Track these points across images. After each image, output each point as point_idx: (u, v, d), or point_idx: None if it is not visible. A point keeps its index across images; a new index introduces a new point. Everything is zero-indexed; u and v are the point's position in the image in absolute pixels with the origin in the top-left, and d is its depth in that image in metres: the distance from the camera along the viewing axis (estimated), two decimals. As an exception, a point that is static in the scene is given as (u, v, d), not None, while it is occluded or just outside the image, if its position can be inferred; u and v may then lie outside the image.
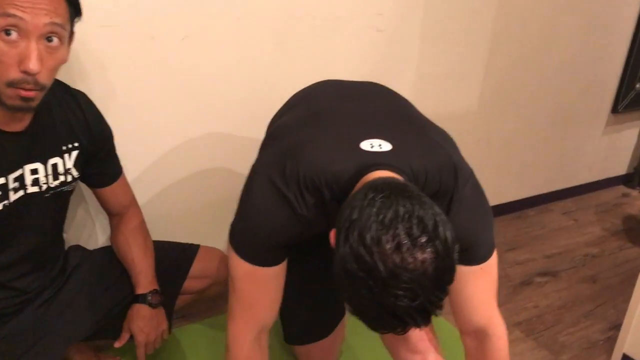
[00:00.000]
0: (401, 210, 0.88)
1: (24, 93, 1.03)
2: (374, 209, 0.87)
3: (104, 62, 1.48)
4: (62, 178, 1.22)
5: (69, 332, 1.32)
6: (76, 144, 1.23)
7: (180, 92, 1.63)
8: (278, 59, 1.74)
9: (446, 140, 1.17)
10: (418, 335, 1.31)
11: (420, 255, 0.86)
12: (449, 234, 0.89)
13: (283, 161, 1.06)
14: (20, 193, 1.16)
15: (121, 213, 1.41)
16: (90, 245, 1.57)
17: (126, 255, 1.39)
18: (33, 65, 1.00)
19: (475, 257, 1.15)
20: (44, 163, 1.18)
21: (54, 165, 1.20)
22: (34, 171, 1.17)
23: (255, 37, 1.67)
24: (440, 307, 0.91)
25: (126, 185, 1.41)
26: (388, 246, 0.85)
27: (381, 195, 0.90)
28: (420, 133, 1.14)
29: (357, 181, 1.02)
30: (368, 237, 0.85)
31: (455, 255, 0.91)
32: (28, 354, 1.24)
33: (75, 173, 1.25)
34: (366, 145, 1.05)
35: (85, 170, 1.29)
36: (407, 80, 2.00)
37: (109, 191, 1.36)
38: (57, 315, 1.31)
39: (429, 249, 0.86)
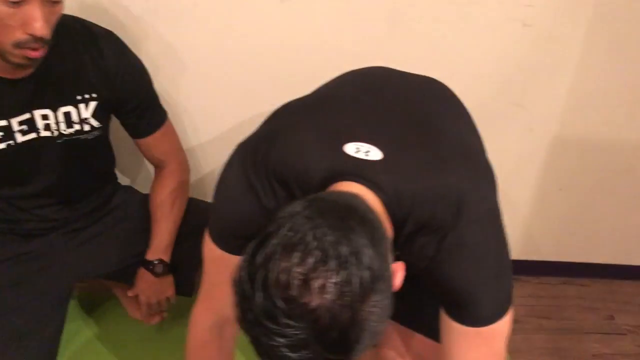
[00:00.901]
0: (310, 237, 0.69)
1: (31, 54, 1.04)
2: (286, 227, 0.71)
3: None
4: (77, 127, 1.21)
5: (85, 265, 1.36)
6: (94, 95, 1.20)
7: (271, 61, 1.52)
8: (389, 43, 1.52)
9: (473, 168, 0.91)
10: None
11: (312, 299, 0.67)
12: (366, 282, 0.69)
13: (259, 146, 0.93)
14: (32, 135, 1.19)
15: (160, 166, 1.37)
16: (145, 189, 1.52)
17: (154, 214, 1.37)
18: (40, 28, 1.00)
19: (469, 315, 0.91)
20: (54, 110, 1.18)
21: (67, 114, 1.19)
22: (45, 117, 1.18)
23: (366, 12, 1.49)
24: None
25: (168, 138, 1.35)
26: (274, 276, 0.68)
27: (307, 213, 0.73)
28: (433, 148, 0.90)
29: (325, 187, 0.86)
30: (259, 257, 0.69)
31: (375, 310, 0.71)
32: (40, 274, 1.30)
33: (95, 123, 1.23)
34: (351, 148, 0.87)
35: (118, 118, 1.27)
36: (556, 94, 1.64)
37: (144, 142, 1.32)
38: (78, 245, 1.36)
39: (327, 295, 0.67)
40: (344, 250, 0.70)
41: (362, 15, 1.49)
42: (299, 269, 0.68)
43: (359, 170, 0.87)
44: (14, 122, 1.16)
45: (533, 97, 1.64)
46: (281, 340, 0.67)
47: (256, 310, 0.68)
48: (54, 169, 1.25)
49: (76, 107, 1.20)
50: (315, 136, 0.92)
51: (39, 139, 1.19)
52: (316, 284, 0.68)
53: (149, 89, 1.29)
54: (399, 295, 0.91)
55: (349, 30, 1.51)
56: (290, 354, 0.69)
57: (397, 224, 0.89)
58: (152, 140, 1.32)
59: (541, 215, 1.86)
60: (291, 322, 0.68)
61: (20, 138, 1.18)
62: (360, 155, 0.88)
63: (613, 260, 1.97)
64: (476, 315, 0.92)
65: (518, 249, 1.91)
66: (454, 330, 0.93)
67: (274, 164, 0.91)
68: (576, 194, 1.83)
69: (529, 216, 1.85)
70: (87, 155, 1.28)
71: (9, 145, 1.17)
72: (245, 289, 0.70)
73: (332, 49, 1.52)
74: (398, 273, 0.80)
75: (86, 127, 1.22)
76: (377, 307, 0.74)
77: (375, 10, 1.49)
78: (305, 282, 0.68)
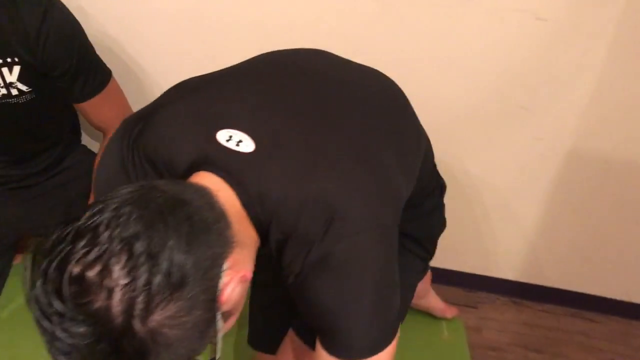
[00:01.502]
0: (103, 226, 0.62)
1: None
2: (94, 210, 0.63)
3: None
4: (3, 91, 1.15)
5: (30, 220, 1.35)
6: (15, 59, 1.13)
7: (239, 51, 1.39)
8: (378, 26, 1.37)
9: (363, 179, 0.79)
10: None
11: (89, 299, 0.59)
12: (157, 288, 0.60)
13: (137, 123, 0.84)
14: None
15: (104, 133, 1.30)
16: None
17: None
18: None
19: (335, 344, 0.79)
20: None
21: None
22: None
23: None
24: None
25: (109, 102, 1.27)
26: (53, 265, 0.60)
27: (123, 199, 0.64)
28: (318, 150, 0.78)
29: (189, 176, 0.77)
30: (53, 239, 0.63)
31: (173, 322, 0.62)
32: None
33: (23, 87, 1.17)
34: (223, 135, 0.77)
35: (50, 81, 1.20)
36: (572, 101, 1.42)
37: (81, 107, 1.25)
38: (24, 201, 1.34)
39: (102, 296, 0.59)
40: (139, 247, 0.61)
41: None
42: (78, 262, 0.59)
43: (223, 161, 0.76)
44: None
45: (544, 101, 1.43)
46: (50, 336, 0.60)
47: (32, 295, 0.61)
48: None
49: None
50: (191, 118, 0.82)
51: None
52: (93, 281, 0.59)
53: (82, 52, 1.20)
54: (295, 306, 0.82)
55: (333, 7, 1.37)
56: (61, 357, 0.61)
57: (261, 229, 0.77)
58: (89, 107, 1.25)
59: (549, 237, 1.65)
60: (64, 323, 0.59)
61: None
62: (230, 145, 0.77)
63: (631, 297, 1.72)
64: (343, 347, 0.79)
65: (520, 269, 1.72)
66: (324, 356, 0.81)
67: (144, 145, 0.82)
68: (591, 217, 1.60)
69: (535, 235, 1.65)
70: (23, 118, 1.23)
71: None
72: (31, 269, 0.62)
73: (315, 29, 1.40)
74: (229, 286, 0.69)
75: (14, 92, 1.17)
76: (177, 320, 0.63)
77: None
78: (80, 278, 0.59)
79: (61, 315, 0.59)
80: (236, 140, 0.77)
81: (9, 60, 1.14)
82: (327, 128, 0.82)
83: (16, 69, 1.15)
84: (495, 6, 1.32)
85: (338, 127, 0.83)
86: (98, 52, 1.30)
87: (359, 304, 0.77)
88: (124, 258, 0.60)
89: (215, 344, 0.74)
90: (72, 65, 1.19)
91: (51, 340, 0.61)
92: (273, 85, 0.87)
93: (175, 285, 0.62)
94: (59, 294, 0.59)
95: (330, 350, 0.80)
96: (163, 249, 0.62)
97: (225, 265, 0.69)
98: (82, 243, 0.60)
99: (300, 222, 0.75)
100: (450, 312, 1.61)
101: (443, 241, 1.63)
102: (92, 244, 0.60)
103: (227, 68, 0.94)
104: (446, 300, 1.65)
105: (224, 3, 1.40)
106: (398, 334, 0.85)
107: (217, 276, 0.68)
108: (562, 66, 1.38)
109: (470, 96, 1.45)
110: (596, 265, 1.68)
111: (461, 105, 1.46)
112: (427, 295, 1.55)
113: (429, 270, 1.52)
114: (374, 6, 1.36)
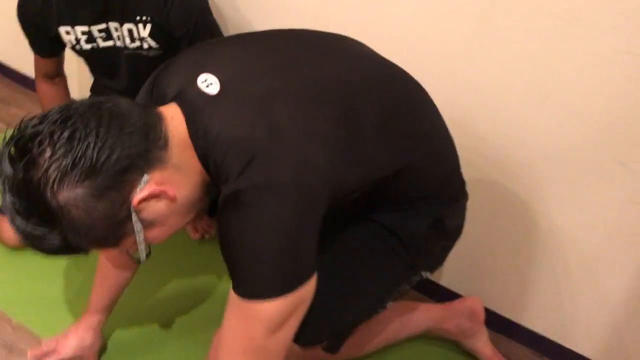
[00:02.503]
0: (56, 116, 0.80)
1: None
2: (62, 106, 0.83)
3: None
4: (137, 43, 1.44)
5: None
6: (149, 17, 1.39)
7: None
8: (475, 43, 1.36)
9: (290, 150, 0.85)
10: None
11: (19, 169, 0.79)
12: (65, 167, 0.77)
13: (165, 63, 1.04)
14: (109, 43, 1.47)
15: None
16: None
17: None
18: None
19: (233, 277, 0.88)
20: (121, 25, 1.41)
21: (130, 30, 1.42)
22: (116, 29, 1.42)
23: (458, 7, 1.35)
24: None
25: None
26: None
27: (88, 101, 0.84)
28: (270, 111, 0.87)
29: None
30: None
31: (77, 202, 0.79)
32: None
33: (152, 43, 1.43)
34: (202, 77, 0.92)
35: (175, 44, 1.44)
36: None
37: None
38: None
39: (28, 166, 0.78)
40: (64, 135, 0.77)
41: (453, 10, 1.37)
42: (29, 139, 0.78)
43: (190, 97, 0.90)
44: (94, 30, 1.43)
45: (624, 144, 1.27)
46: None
47: None
48: (125, 75, 1.51)
49: (136, 25, 1.41)
50: (190, 63, 0.98)
51: (114, 47, 1.46)
52: (28, 153, 0.78)
53: (200, 18, 1.42)
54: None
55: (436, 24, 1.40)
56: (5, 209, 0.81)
57: (205, 163, 0.88)
58: None
59: (636, 322, 1.42)
60: (4, 183, 0.80)
61: (102, 43, 1.46)
62: (202, 86, 0.90)
63: None
64: (239, 282, 0.87)
65: (600, 348, 1.50)
66: (230, 291, 0.88)
67: (158, 81, 1.00)
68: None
69: (618, 314, 1.44)
70: (150, 70, 1.48)
71: (92, 47, 1.47)
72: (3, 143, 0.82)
73: (418, 42, 1.44)
74: (143, 193, 0.82)
75: (145, 45, 1.44)
76: (84, 204, 0.79)
77: (467, 6, 1.35)
78: (24, 153, 0.78)
79: (8, 177, 0.79)
80: (208, 83, 0.90)
81: (144, 18, 1.41)
82: (288, 98, 0.90)
83: (148, 27, 1.42)
84: (589, 41, 1.23)
85: (300, 92, 0.91)
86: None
87: (256, 250, 0.83)
88: (52, 141, 0.77)
89: (138, 246, 0.88)
90: (190, 28, 1.41)
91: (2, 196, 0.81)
92: (266, 46, 0.99)
93: (85, 172, 0.78)
94: (10, 161, 0.79)
95: (234, 288, 0.87)
96: (81, 142, 0.77)
97: (147, 177, 0.82)
98: (37, 127, 0.79)
99: (225, 159, 0.84)
100: (498, 362, 1.49)
101: (513, 289, 1.54)
102: (42, 129, 0.79)
103: (258, 32, 1.09)
104: (506, 355, 1.53)
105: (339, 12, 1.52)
106: (307, 297, 0.88)
107: (132, 180, 0.81)
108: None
109: (563, 138, 1.35)
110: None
111: (551, 145, 1.36)
112: (476, 336, 1.46)
113: (480, 309, 1.44)
114: (474, 25, 1.36)
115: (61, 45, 1.53)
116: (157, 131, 0.84)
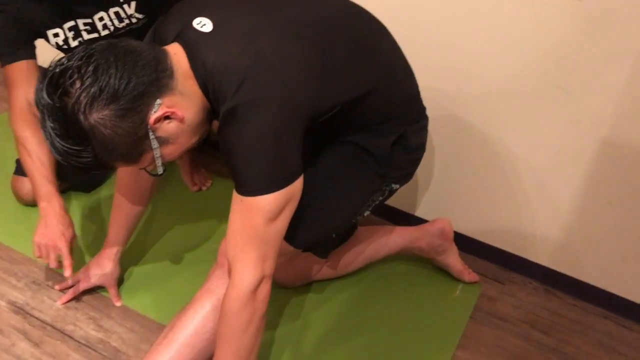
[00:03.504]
0: (83, 52, 0.98)
1: None
2: (90, 45, 1.02)
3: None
4: (126, 21, 1.58)
5: None
6: None
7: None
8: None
9: (277, 72, 1.04)
10: None
11: (56, 95, 0.98)
12: (93, 94, 0.96)
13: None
14: (94, 35, 1.57)
15: None
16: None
17: None
18: None
19: (235, 180, 1.07)
20: (106, 12, 1.54)
21: (117, 13, 1.55)
22: (101, 19, 1.55)
23: None
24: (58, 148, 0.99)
25: None
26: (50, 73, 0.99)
27: (105, 42, 1.02)
28: (257, 44, 1.05)
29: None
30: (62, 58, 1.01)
31: (104, 122, 0.98)
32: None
33: (140, 16, 1.58)
34: (197, 20, 1.11)
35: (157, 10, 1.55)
36: (611, 85, 1.44)
37: None
38: None
39: (62, 95, 0.97)
40: (90, 69, 0.97)
41: None
42: (62, 75, 0.97)
43: (188, 36, 1.09)
44: (80, 23, 1.54)
45: (580, 84, 1.48)
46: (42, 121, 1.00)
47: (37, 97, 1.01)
48: None
49: (121, 7, 1.55)
50: (187, 9, 1.15)
51: (100, 38, 1.57)
52: (62, 85, 0.97)
53: None
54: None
55: None
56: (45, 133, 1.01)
57: (205, 91, 1.07)
58: None
59: (586, 229, 1.64)
60: (44, 112, 0.99)
61: (86, 36, 1.57)
62: (197, 27, 1.09)
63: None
64: (240, 183, 1.06)
65: (556, 256, 1.73)
66: (234, 194, 1.08)
67: (160, 25, 1.19)
68: (631, 212, 1.57)
69: (572, 224, 1.66)
70: (142, 38, 1.64)
71: (79, 42, 1.57)
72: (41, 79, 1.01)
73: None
74: (158, 113, 1.01)
75: (134, 20, 1.59)
76: (110, 124, 0.99)
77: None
78: (57, 81, 0.97)
79: (46, 106, 0.98)
80: (202, 24, 1.09)
81: None
82: (275, 33, 1.08)
83: (133, 4, 1.57)
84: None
85: (281, 27, 1.10)
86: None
87: (253, 154, 1.03)
88: (80, 74, 0.97)
89: (156, 163, 1.07)
90: None
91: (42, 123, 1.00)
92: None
93: (109, 98, 0.97)
94: (48, 94, 0.98)
95: (236, 189, 1.07)
96: (105, 73, 0.97)
97: (159, 100, 1.01)
98: (66, 64, 0.98)
99: (222, 84, 1.03)
100: (468, 276, 1.70)
101: (478, 212, 1.75)
102: (71, 65, 0.98)
103: None
104: (475, 270, 1.74)
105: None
106: (296, 193, 1.08)
107: (148, 103, 1.00)
108: (599, 50, 1.42)
109: (509, 70, 1.55)
110: (638, 268, 1.62)
111: (501, 78, 1.57)
112: (447, 253, 1.66)
113: (450, 228, 1.64)
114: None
115: (34, 51, 1.55)
116: (164, 63, 1.03)
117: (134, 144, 1.03)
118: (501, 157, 1.67)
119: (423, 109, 1.36)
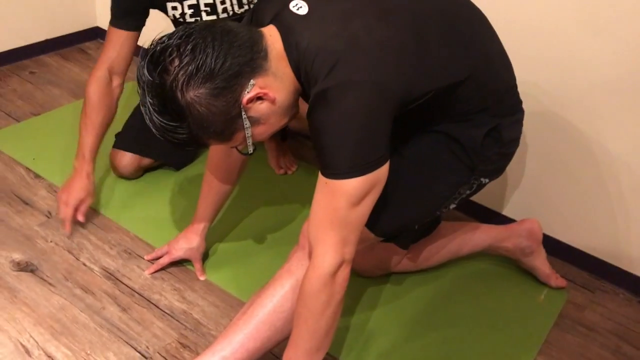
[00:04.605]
0: (182, 32, 1.03)
1: None
2: (185, 27, 1.05)
3: None
4: (246, 7, 1.62)
5: None
6: None
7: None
8: None
9: (373, 57, 1.03)
10: None
11: (156, 73, 1.01)
12: (190, 73, 0.99)
13: None
14: (212, 17, 1.63)
15: None
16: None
17: None
18: None
19: (322, 162, 1.07)
20: None
21: None
22: (222, 2, 1.59)
23: None
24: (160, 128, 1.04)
25: None
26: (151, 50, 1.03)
27: (206, 22, 1.06)
28: (353, 29, 1.05)
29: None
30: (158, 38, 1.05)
31: (200, 100, 1.01)
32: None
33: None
34: (294, 3, 1.12)
35: None
36: None
37: None
38: None
39: (161, 72, 1.01)
40: (188, 48, 1.00)
41: None
42: (162, 52, 1.01)
43: (283, 18, 1.11)
44: (201, 3, 1.60)
45: None
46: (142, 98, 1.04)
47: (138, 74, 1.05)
48: None
49: None
50: None
51: (218, 20, 1.61)
52: (164, 65, 1.00)
53: None
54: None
55: None
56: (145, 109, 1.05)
57: (297, 72, 1.08)
58: None
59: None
60: (144, 88, 1.03)
61: (205, 17, 1.63)
62: (294, 9, 1.10)
63: None
64: (326, 165, 1.06)
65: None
66: (319, 176, 1.09)
67: (256, 8, 1.21)
68: None
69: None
70: None
71: (196, 20, 1.63)
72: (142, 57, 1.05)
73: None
74: (251, 93, 1.03)
75: (251, 6, 1.61)
76: (206, 102, 1.02)
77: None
78: (158, 62, 1.01)
79: (145, 82, 1.02)
80: (299, 6, 1.10)
81: None
82: (365, 9, 1.08)
83: None
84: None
85: (375, 9, 1.08)
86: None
87: (345, 137, 1.02)
88: (179, 53, 1.00)
89: (247, 142, 1.09)
90: None
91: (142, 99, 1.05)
92: None
93: (205, 76, 1.00)
94: (148, 70, 1.02)
95: (322, 170, 1.07)
96: (202, 52, 1.00)
97: (253, 81, 1.03)
98: (166, 42, 1.02)
99: (314, 66, 1.04)
100: (555, 281, 1.63)
101: (570, 215, 1.67)
102: (171, 44, 1.01)
103: None
104: (563, 275, 1.67)
105: None
106: (381, 179, 1.07)
107: (242, 83, 1.03)
108: None
109: (615, 68, 1.46)
110: None
111: (604, 75, 1.48)
112: (534, 255, 1.60)
113: (538, 229, 1.58)
114: None
115: (144, 21, 1.61)
116: (259, 45, 1.05)
117: (227, 123, 1.05)
118: (599, 158, 1.59)
119: (519, 101, 1.31)
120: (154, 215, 1.79)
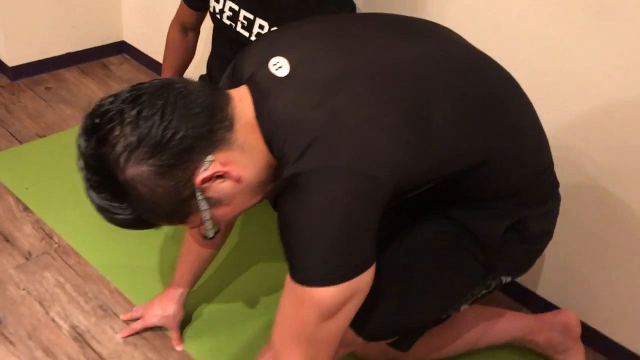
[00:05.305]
0: (126, 95, 0.82)
1: None
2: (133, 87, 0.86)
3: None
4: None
5: None
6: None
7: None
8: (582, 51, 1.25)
9: (349, 139, 0.82)
10: None
11: (87, 145, 0.83)
12: (131, 144, 0.80)
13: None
14: (245, 33, 1.47)
15: None
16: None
17: None
18: None
19: (289, 262, 0.88)
20: (270, 26, 1.42)
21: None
22: (261, 26, 1.43)
23: None
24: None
25: None
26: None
27: (157, 83, 0.86)
28: (334, 100, 0.85)
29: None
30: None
31: (143, 177, 0.82)
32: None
33: None
34: (274, 60, 0.92)
35: None
36: None
37: None
38: None
39: (98, 144, 0.82)
40: (132, 114, 0.81)
41: None
42: (103, 118, 0.82)
43: (260, 80, 0.91)
44: (242, 14, 1.45)
45: None
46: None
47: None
48: None
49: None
50: (266, 44, 0.98)
51: (248, 37, 1.46)
52: (99, 131, 0.82)
53: None
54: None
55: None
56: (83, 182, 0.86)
57: (268, 144, 0.88)
58: None
59: None
60: (81, 159, 0.84)
61: (238, 28, 1.48)
62: (272, 69, 0.90)
63: None
64: (293, 266, 0.86)
65: None
66: (287, 277, 0.88)
67: (238, 60, 1.01)
68: None
69: None
70: None
71: (230, 25, 1.50)
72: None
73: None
74: (208, 172, 0.83)
75: None
76: (149, 181, 0.82)
77: None
78: (97, 125, 0.82)
79: (82, 153, 0.84)
80: (279, 66, 0.89)
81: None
82: (353, 89, 0.86)
83: None
84: None
85: (362, 95, 0.86)
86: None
87: (314, 228, 0.82)
88: (121, 119, 0.81)
89: (204, 224, 0.90)
90: None
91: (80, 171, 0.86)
92: (343, 27, 0.96)
93: (150, 151, 0.80)
94: (85, 138, 0.83)
95: (290, 272, 0.86)
96: (148, 121, 0.80)
97: (212, 157, 0.83)
98: (109, 106, 0.83)
99: (286, 143, 0.83)
100: (594, 385, 1.36)
101: (616, 304, 1.40)
102: (112, 108, 0.82)
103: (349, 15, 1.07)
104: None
105: None
106: (362, 288, 0.85)
107: (196, 160, 0.82)
108: None
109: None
110: None
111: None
112: (569, 352, 1.34)
113: (576, 324, 1.32)
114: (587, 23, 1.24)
115: (207, 3, 1.56)
116: (223, 113, 0.85)
117: (177, 205, 0.85)
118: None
119: (554, 185, 1.06)
120: (140, 265, 1.60)
